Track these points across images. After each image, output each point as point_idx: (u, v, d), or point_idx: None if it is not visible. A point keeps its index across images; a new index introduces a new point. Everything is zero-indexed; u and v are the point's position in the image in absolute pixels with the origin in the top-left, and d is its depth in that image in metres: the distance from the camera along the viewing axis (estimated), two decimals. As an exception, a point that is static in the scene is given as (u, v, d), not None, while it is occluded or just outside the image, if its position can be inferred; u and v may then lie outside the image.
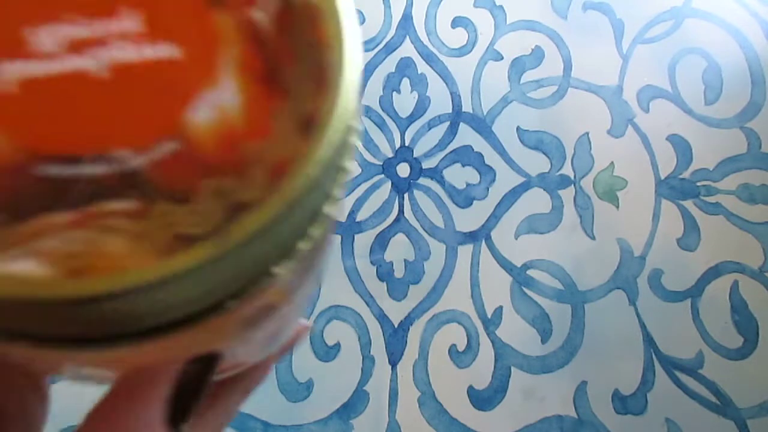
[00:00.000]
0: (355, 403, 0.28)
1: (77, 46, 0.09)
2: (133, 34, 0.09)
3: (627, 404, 0.30)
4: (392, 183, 0.33)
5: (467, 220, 0.32)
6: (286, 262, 0.10)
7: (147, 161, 0.09)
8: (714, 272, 0.33)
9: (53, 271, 0.08)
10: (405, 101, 0.34)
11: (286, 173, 0.09)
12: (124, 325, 0.09)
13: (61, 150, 0.08)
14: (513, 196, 0.33)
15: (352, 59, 0.09)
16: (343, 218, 0.33)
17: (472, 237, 0.32)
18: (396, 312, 0.30)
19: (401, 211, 0.32)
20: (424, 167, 0.33)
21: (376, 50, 0.35)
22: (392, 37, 0.36)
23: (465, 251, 0.32)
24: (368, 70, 0.35)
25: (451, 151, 0.34)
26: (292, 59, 0.09)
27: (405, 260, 0.31)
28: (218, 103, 0.09)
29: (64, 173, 0.08)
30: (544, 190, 0.34)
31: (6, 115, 0.08)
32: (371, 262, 0.31)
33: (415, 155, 0.33)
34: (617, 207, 0.34)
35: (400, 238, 0.32)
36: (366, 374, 0.29)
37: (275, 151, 0.09)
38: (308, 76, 0.09)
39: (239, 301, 0.09)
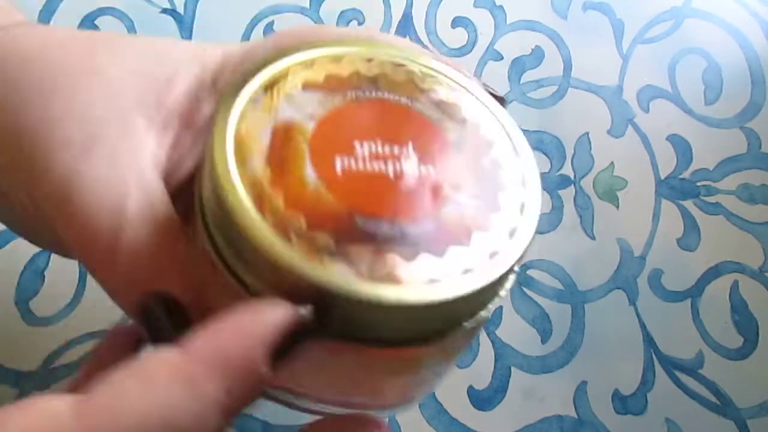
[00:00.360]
0: (355, 403, 0.28)
1: (378, 157, 0.15)
2: (410, 157, 0.15)
3: (627, 404, 0.30)
4: (392, 183, 0.33)
5: (467, 220, 0.32)
6: (472, 322, 0.15)
7: (417, 230, 0.14)
8: (714, 272, 0.33)
9: (353, 274, 0.13)
10: (405, 101, 0.34)
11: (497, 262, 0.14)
12: (378, 330, 0.14)
13: (367, 212, 0.14)
14: (513, 196, 0.33)
15: (535, 224, 0.15)
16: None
17: (472, 237, 0.32)
18: (396, 312, 0.30)
19: (401, 211, 0.32)
20: (424, 167, 0.33)
21: (376, 50, 0.35)
22: (392, 37, 0.36)
23: (465, 251, 0.32)
24: (368, 70, 0.35)
25: (451, 151, 0.34)
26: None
27: (405, 260, 0.31)
28: (460, 203, 0.15)
29: (367, 225, 0.14)
30: (544, 190, 0.34)
31: (336, 187, 0.14)
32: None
33: (415, 155, 0.33)
34: (617, 207, 0.34)
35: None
36: (366, 374, 0.29)
37: (490, 243, 0.15)
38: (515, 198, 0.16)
39: (439, 338, 0.15)
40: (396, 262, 0.13)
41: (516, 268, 0.15)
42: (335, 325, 0.13)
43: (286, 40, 0.19)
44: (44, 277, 0.30)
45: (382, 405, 0.19)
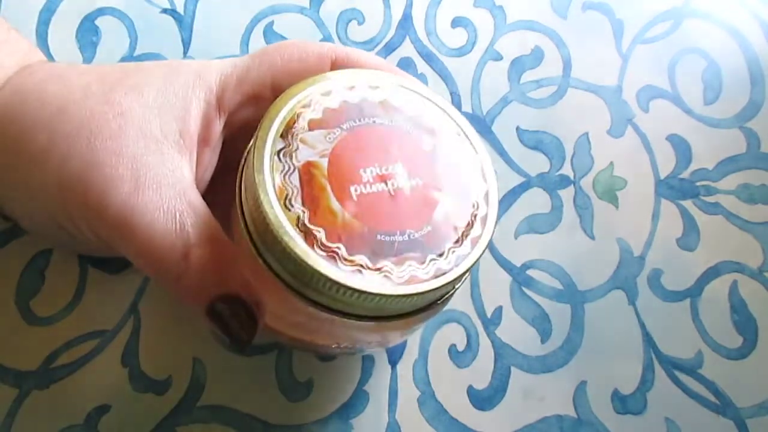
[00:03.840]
0: (355, 403, 0.28)
1: (380, 178, 0.19)
2: (402, 173, 0.20)
3: (627, 404, 0.30)
4: (392, 183, 0.33)
5: (467, 220, 0.32)
6: (448, 298, 0.21)
7: (420, 235, 0.19)
8: (714, 272, 0.33)
9: (389, 282, 0.18)
10: (405, 101, 0.34)
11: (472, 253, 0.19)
12: (386, 311, 0.20)
13: (384, 228, 0.19)
14: (513, 196, 0.33)
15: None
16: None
17: (471, 237, 0.32)
18: (396, 312, 0.30)
19: (401, 211, 0.32)
20: (423, 167, 0.33)
21: (376, 50, 0.35)
22: (392, 37, 0.36)
23: (465, 251, 0.32)
24: (368, 70, 0.35)
25: (450, 151, 0.34)
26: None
27: (405, 260, 0.31)
28: (444, 205, 0.20)
29: (387, 239, 0.19)
30: (543, 190, 0.34)
31: (357, 212, 0.19)
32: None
33: (414, 155, 0.33)
34: (617, 207, 0.34)
35: (400, 238, 0.32)
36: (366, 374, 0.29)
37: (471, 234, 0.20)
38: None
39: (427, 311, 0.21)
40: (413, 267, 0.19)
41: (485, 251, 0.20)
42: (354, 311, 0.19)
43: (274, 59, 0.23)
44: (44, 277, 0.30)
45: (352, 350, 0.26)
